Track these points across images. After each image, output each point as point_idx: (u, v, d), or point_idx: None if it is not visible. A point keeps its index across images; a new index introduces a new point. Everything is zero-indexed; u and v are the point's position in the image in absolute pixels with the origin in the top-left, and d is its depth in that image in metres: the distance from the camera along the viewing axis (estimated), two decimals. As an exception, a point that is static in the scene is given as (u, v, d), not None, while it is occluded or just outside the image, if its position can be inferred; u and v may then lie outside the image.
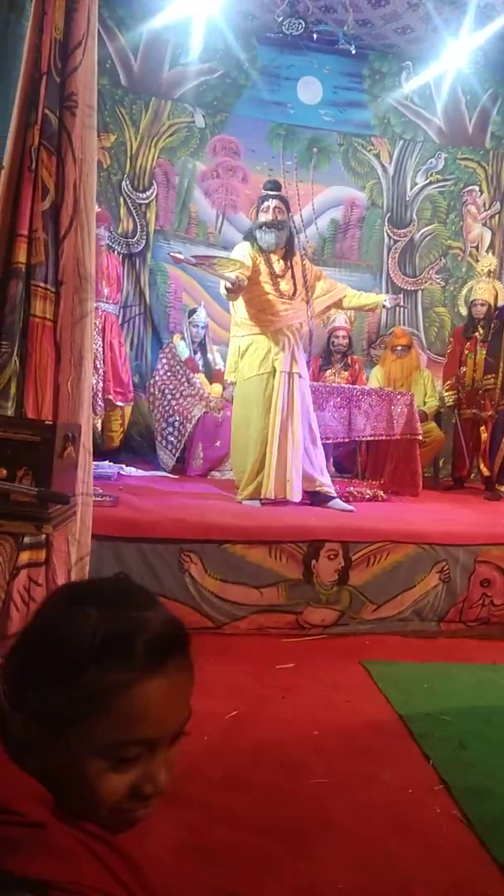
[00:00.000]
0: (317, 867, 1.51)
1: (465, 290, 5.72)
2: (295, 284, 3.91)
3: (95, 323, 4.78)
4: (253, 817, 1.68)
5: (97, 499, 3.02)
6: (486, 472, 5.24)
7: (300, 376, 3.87)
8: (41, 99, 2.46)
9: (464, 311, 5.64)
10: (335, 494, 3.91)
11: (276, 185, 4.10)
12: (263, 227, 3.86)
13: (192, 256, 3.94)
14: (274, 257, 3.88)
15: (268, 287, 3.83)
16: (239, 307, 3.93)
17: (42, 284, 2.40)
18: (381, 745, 2.08)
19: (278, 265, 3.89)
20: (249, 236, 3.98)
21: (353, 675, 2.64)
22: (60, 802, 0.65)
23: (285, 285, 3.89)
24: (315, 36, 5.81)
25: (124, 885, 0.64)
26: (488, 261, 5.84)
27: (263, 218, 3.90)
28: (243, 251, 3.86)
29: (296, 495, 3.70)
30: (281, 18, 5.35)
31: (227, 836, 1.60)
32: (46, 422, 1.83)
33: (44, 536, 2.24)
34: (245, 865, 1.51)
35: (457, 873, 1.52)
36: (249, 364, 3.84)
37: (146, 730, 0.66)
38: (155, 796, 0.70)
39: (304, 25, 5.41)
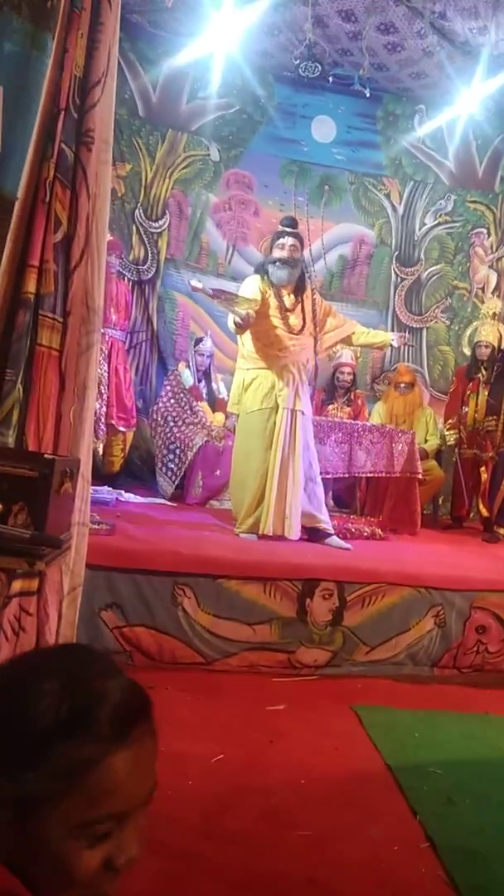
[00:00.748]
0: (296, 927, 1.47)
1: (469, 331, 5.76)
2: (304, 319, 3.93)
3: (101, 349, 4.82)
4: (233, 869, 1.64)
5: (93, 526, 3.01)
6: (485, 512, 5.23)
7: (303, 413, 3.88)
8: (58, 133, 2.50)
9: (468, 352, 5.68)
10: (332, 532, 3.89)
11: (293, 223, 4.13)
12: (277, 263, 3.90)
13: (211, 289, 3.97)
14: (284, 292, 3.91)
15: (276, 321, 3.85)
16: (246, 340, 3.95)
17: (50, 315, 2.42)
18: (369, 797, 2.04)
19: (288, 299, 3.92)
20: (261, 269, 4.01)
21: (343, 720, 2.60)
22: (30, 887, 0.63)
23: (294, 320, 3.91)
24: (331, 79, 5.93)
25: None
26: (493, 303, 5.88)
27: (278, 254, 3.93)
28: (254, 284, 3.89)
29: (294, 533, 3.68)
30: (298, 61, 5.46)
31: (206, 888, 1.56)
32: (46, 455, 1.83)
33: (37, 571, 2.23)
34: (223, 921, 1.47)
35: (440, 940, 1.49)
36: (253, 398, 3.85)
37: (118, 803, 0.65)
38: (127, 867, 0.68)
39: (320, 68, 5.52)
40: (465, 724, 2.68)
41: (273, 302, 3.86)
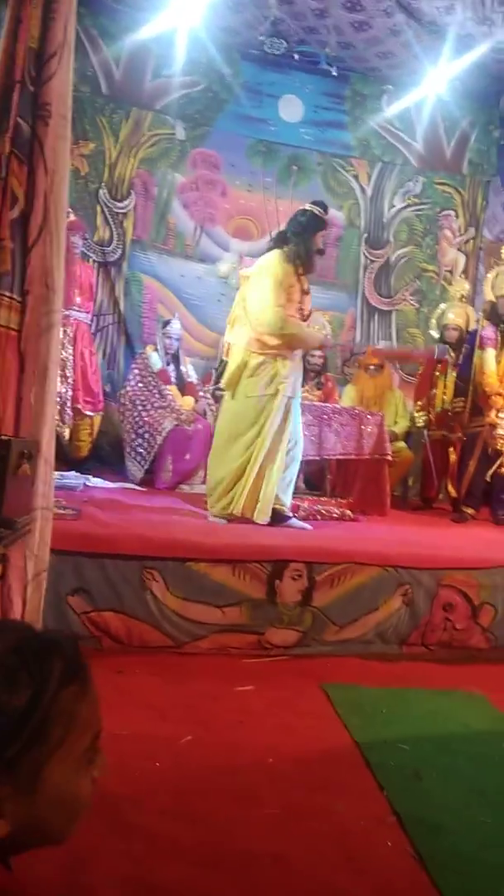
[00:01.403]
0: (263, 904, 1.47)
1: (437, 314, 5.78)
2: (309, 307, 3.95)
3: (66, 331, 4.74)
4: (201, 850, 1.64)
5: (59, 511, 2.97)
6: (453, 493, 5.29)
7: (297, 401, 3.90)
8: (13, 107, 2.42)
9: (436, 334, 5.70)
10: (290, 514, 3.87)
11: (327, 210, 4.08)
12: (318, 253, 3.91)
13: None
14: (304, 278, 3.88)
15: (294, 307, 3.80)
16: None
17: (7, 294, 2.35)
18: (337, 775, 2.05)
19: (306, 284, 3.90)
20: (286, 248, 3.82)
21: (312, 698, 2.61)
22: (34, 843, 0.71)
23: (307, 306, 3.91)
24: (296, 56, 5.86)
25: None
26: (461, 286, 5.91)
27: (321, 244, 3.91)
28: (278, 260, 3.77)
29: (263, 519, 3.67)
30: (263, 37, 5.38)
31: (173, 869, 1.56)
32: (2, 437, 1.79)
33: (-1, 553, 2.18)
34: (189, 902, 1.46)
35: (405, 911, 1.50)
36: (253, 384, 3.75)
37: (97, 724, 0.76)
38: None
39: (285, 45, 5.45)
40: (433, 700, 2.71)
41: (297, 285, 3.82)
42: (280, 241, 3.93)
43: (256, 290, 3.79)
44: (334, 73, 6.00)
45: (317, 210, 3.94)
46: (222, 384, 3.95)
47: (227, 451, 3.80)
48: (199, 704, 2.44)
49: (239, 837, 1.70)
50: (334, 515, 4.33)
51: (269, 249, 3.95)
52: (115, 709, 2.28)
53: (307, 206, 3.99)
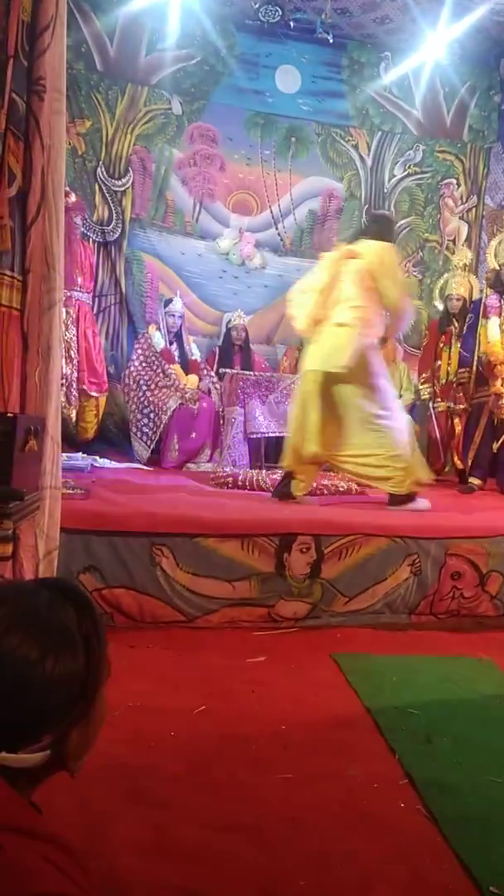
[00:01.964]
0: (279, 864, 1.50)
1: (440, 284, 5.73)
2: None
3: (69, 312, 4.73)
4: (217, 815, 1.67)
5: (68, 491, 2.99)
6: (459, 464, 5.28)
7: None
8: (7, 82, 2.40)
9: (440, 305, 5.65)
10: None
11: None
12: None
13: None
14: None
15: None
16: (373, 303, 3.80)
17: (8, 272, 2.35)
18: (349, 740, 2.08)
19: None
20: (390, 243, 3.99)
21: (323, 668, 2.64)
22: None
23: None
24: (292, 24, 5.76)
25: (76, 883, 0.68)
26: (463, 254, 5.85)
27: None
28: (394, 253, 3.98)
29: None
30: (258, 5, 5.29)
31: (190, 834, 1.59)
32: (8, 414, 1.79)
33: (10, 530, 2.20)
34: (208, 864, 1.49)
35: (419, 869, 1.53)
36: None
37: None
38: None
39: (280, 13, 5.35)
40: (442, 667, 2.73)
41: None
42: (381, 233, 4.00)
43: (391, 280, 3.81)
44: (331, 41, 5.89)
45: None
46: (336, 363, 3.66)
47: None
48: (211, 676, 2.47)
49: (254, 802, 1.73)
50: (341, 489, 4.34)
51: (363, 238, 4.00)
52: (129, 682, 2.32)
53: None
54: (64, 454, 2.95)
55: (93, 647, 0.78)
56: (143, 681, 2.36)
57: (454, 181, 6.46)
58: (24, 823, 0.70)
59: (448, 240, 6.43)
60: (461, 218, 6.43)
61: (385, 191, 6.43)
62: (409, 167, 6.43)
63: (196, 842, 1.56)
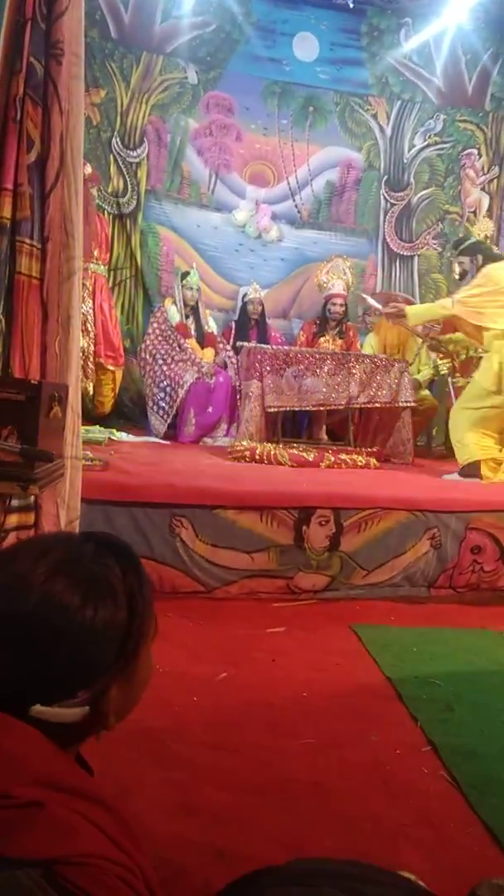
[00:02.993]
0: (304, 826, 1.52)
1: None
2: None
3: (85, 284, 4.71)
4: (241, 777, 1.68)
5: (87, 463, 2.99)
6: (478, 440, 5.23)
7: None
8: (25, 46, 2.36)
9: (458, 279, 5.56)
10: None
11: None
12: None
13: None
14: None
15: None
16: None
17: (28, 241, 2.33)
18: (370, 707, 2.09)
19: None
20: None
21: (343, 638, 2.65)
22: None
23: None
24: (311, -12, 5.63)
25: (123, 848, 0.67)
26: (485, 225, 5.75)
27: None
28: None
29: None
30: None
31: (216, 795, 1.60)
32: (32, 381, 1.79)
33: (32, 499, 2.21)
34: (233, 824, 1.51)
35: (442, 832, 1.54)
36: None
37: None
38: None
39: (299, -24, 5.22)
40: (462, 638, 2.73)
41: None
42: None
43: None
44: (350, 6, 5.75)
45: None
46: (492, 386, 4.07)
47: None
48: (231, 645, 2.48)
49: (277, 766, 1.75)
50: (359, 464, 4.32)
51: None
52: (152, 648, 2.34)
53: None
54: (82, 427, 2.95)
55: (136, 603, 0.76)
56: (165, 648, 2.37)
57: (475, 151, 6.32)
58: (67, 781, 0.68)
59: (469, 211, 6.31)
60: (482, 189, 6.31)
61: (405, 161, 6.31)
62: (429, 137, 6.31)
63: (221, 803, 1.58)
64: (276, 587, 3.09)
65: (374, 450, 4.70)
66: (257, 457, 4.18)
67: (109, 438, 4.43)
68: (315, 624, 2.79)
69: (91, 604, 0.71)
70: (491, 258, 4.28)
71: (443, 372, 5.46)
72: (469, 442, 4.11)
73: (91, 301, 4.87)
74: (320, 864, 0.56)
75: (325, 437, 5.06)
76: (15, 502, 2.18)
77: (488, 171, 6.34)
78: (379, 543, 3.21)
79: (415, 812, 1.60)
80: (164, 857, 1.35)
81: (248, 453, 4.20)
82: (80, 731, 0.76)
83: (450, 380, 5.42)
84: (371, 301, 5.11)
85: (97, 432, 4.37)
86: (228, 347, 5.48)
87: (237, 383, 5.10)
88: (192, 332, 5.34)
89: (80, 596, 0.71)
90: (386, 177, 6.29)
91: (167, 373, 5.09)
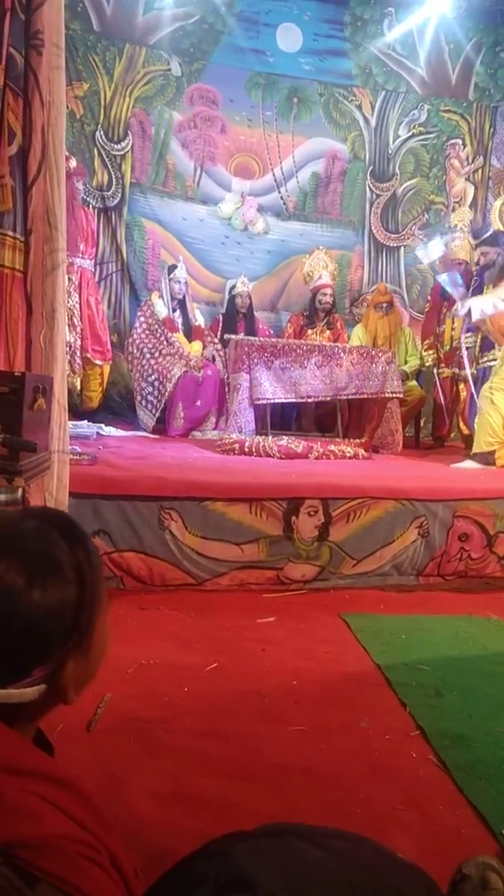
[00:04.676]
0: (294, 811, 1.53)
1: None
2: None
3: (71, 279, 4.68)
4: (231, 765, 1.69)
5: (75, 457, 2.99)
6: (465, 430, 5.26)
7: None
8: (5, 36, 2.35)
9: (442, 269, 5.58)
10: None
11: None
12: None
13: None
14: None
15: None
16: None
17: (10, 233, 2.32)
18: (360, 694, 2.10)
19: None
20: None
21: (332, 627, 2.66)
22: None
23: None
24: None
25: (86, 826, 0.66)
26: (463, 213, 5.76)
27: None
28: None
29: None
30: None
31: (206, 783, 1.61)
32: (16, 373, 1.78)
33: (19, 493, 2.20)
34: (224, 811, 1.52)
35: (432, 814, 1.55)
36: None
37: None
38: None
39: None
40: (451, 625, 2.75)
41: None
42: None
43: None
44: (333, -4, 5.74)
45: None
46: None
47: None
48: (221, 636, 2.49)
49: (268, 752, 1.76)
50: (347, 455, 4.34)
51: None
52: (141, 641, 2.35)
53: None
54: (69, 422, 2.95)
55: (85, 577, 0.74)
56: (155, 640, 2.38)
57: (460, 141, 6.34)
58: (25, 764, 0.67)
59: (454, 202, 6.33)
60: (467, 179, 6.33)
61: (389, 152, 6.31)
62: (413, 127, 6.31)
63: (212, 791, 1.59)
64: (266, 578, 3.10)
65: (363, 440, 4.72)
66: (246, 449, 4.19)
67: (98, 433, 4.42)
68: (305, 614, 2.81)
69: (38, 583, 0.69)
70: None
71: (428, 363, 5.48)
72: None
73: (77, 295, 4.85)
74: (290, 826, 0.57)
75: (313, 428, 5.07)
76: (2, 497, 2.17)
77: (473, 161, 6.36)
78: (367, 533, 3.22)
79: (403, 795, 1.62)
80: (154, 843, 1.36)
81: (236, 446, 4.20)
82: (39, 708, 0.75)
83: (435, 371, 5.44)
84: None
85: (85, 427, 4.37)
86: (216, 340, 5.48)
87: (225, 376, 5.10)
88: (180, 325, 5.34)
89: (26, 576, 0.69)
90: (371, 168, 6.29)
91: (155, 367, 5.08)
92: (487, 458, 4.16)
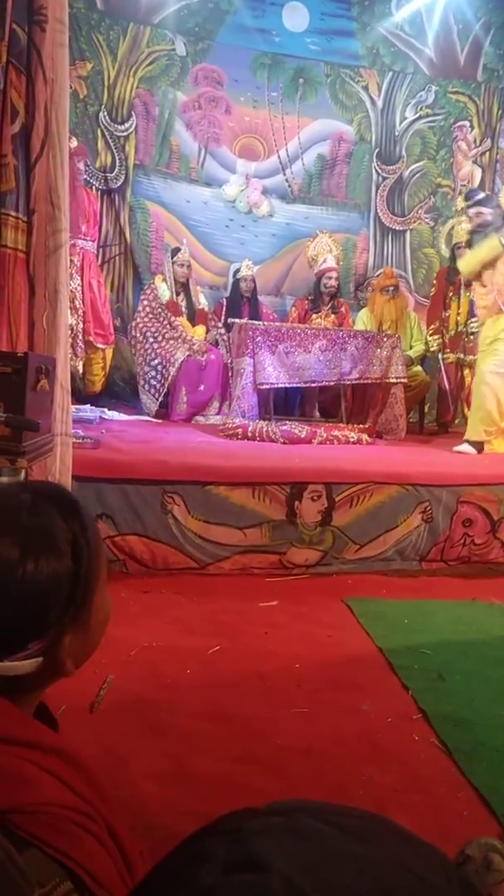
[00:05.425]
0: (295, 792, 1.53)
1: (446, 230, 5.58)
2: None
3: (73, 261, 4.65)
4: (234, 746, 1.70)
5: (78, 441, 2.98)
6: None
7: None
8: (8, 12, 2.31)
9: (447, 253, 5.53)
10: None
11: None
12: None
13: None
14: None
15: None
16: None
17: (13, 213, 2.30)
18: (362, 677, 2.11)
19: None
20: None
21: (335, 611, 2.66)
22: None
23: None
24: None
25: (82, 796, 0.66)
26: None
27: None
28: None
29: None
30: None
31: (209, 764, 1.62)
32: (18, 353, 1.77)
33: (22, 474, 2.20)
34: (226, 792, 1.53)
35: (433, 796, 1.56)
36: None
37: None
38: None
39: None
40: (453, 610, 2.75)
41: None
42: None
43: None
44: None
45: None
46: None
47: None
48: (224, 619, 2.50)
49: (270, 734, 1.76)
50: (351, 440, 4.32)
51: None
52: (144, 624, 2.35)
53: None
54: (72, 406, 2.93)
55: (81, 550, 0.73)
56: (158, 623, 2.39)
57: (467, 123, 6.25)
58: (21, 734, 0.67)
59: (462, 185, 6.25)
60: (475, 162, 6.25)
61: (396, 134, 6.23)
62: (420, 109, 6.22)
63: (214, 772, 1.60)
64: (269, 562, 3.10)
65: (366, 426, 4.70)
66: (249, 434, 4.17)
67: (101, 417, 4.41)
68: (307, 598, 2.81)
69: (31, 557, 0.69)
70: None
71: (433, 348, 5.44)
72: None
73: (79, 278, 4.82)
74: (301, 803, 0.55)
75: (317, 413, 5.05)
76: (4, 478, 2.17)
77: (480, 144, 6.28)
78: (371, 518, 3.22)
79: (406, 777, 1.62)
80: (156, 823, 1.37)
81: (240, 430, 4.19)
82: (38, 681, 0.75)
83: (440, 356, 5.41)
84: None
85: (88, 411, 4.35)
86: (220, 325, 5.45)
87: (229, 361, 5.07)
88: (183, 309, 5.30)
89: (20, 550, 0.69)
90: (377, 150, 6.21)
91: (158, 351, 5.05)
92: (479, 446, 4.14)
